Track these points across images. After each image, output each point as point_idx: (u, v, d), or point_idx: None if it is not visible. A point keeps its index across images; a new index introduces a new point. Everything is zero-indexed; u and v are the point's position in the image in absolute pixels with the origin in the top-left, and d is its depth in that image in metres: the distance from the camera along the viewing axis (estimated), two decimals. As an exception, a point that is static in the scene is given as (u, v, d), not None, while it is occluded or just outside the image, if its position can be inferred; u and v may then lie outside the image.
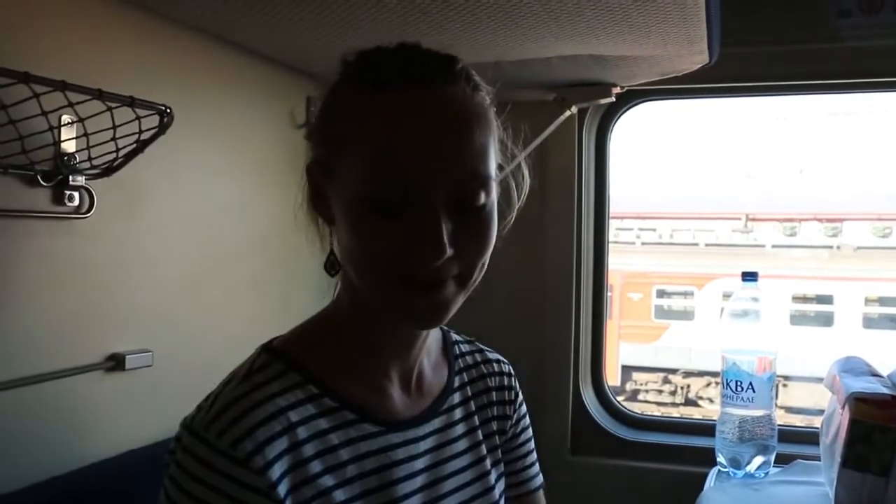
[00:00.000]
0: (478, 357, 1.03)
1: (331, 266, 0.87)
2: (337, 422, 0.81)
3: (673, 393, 11.22)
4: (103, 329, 1.17)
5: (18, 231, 1.04)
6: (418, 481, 0.86)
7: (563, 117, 1.77)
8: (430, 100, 0.76)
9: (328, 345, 0.86)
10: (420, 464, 0.87)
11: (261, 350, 0.84)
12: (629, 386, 11.15)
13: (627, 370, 11.15)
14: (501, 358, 1.06)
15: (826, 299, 10.74)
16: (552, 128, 1.77)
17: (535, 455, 1.06)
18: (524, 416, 1.06)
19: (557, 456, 1.90)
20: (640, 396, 11.07)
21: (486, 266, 0.82)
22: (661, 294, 11.59)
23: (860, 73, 1.75)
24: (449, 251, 0.75)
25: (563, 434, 1.92)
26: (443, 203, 0.75)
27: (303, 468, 0.76)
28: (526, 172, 0.93)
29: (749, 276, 1.65)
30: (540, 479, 1.06)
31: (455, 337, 1.03)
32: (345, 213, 0.79)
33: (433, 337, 0.97)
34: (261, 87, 1.49)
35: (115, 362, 1.18)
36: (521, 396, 1.05)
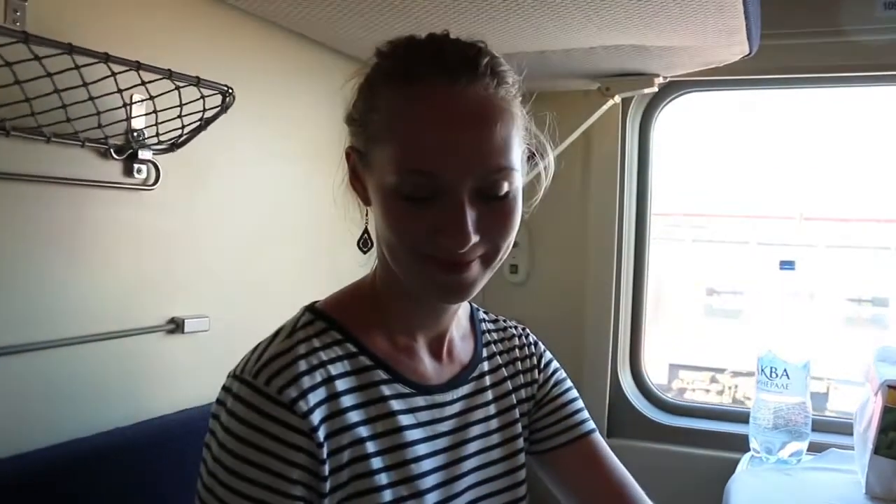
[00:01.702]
0: (502, 333, 1.08)
1: (363, 244, 0.94)
2: (370, 380, 0.87)
3: (720, 393, 11.05)
4: (165, 294, 1.26)
5: (92, 200, 1.13)
6: (441, 443, 0.92)
7: (606, 106, 1.80)
8: (455, 97, 0.81)
9: (365, 310, 0.92)
10: (444, 427, 0.93)
11: (305, 309, 0.91)
12: (675, 384, 11.01)
13: (674, 368, 11.01)
14: (522, 330, 1.11)
15: (882, 302, 10.47)
16: (595, 116, 1.81)
17: (580, 403, 1.08)
18: (554, 372, 1.09)
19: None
20: (687, 395, 10.92)
21: (510, 246, 0.87)
22: (711, 292, 11.43)
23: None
24: (474, 238, 0.81)
25: (599, 416, 1.96)
26: (467, 194, 0.80)
27: (339, 417, 0.82)
28: (551, 157, 0.97)
29: (786, 264, 1.66)
30: (591, 424, 1.07)
31: (480, 313, 1.09)
32: (378, 198, 0.85)
33: (463, 308, 1.04)
34: (316, 71, 1.57)
35: (175, 325, 1.27)
36: (547, 357, 1.10)
